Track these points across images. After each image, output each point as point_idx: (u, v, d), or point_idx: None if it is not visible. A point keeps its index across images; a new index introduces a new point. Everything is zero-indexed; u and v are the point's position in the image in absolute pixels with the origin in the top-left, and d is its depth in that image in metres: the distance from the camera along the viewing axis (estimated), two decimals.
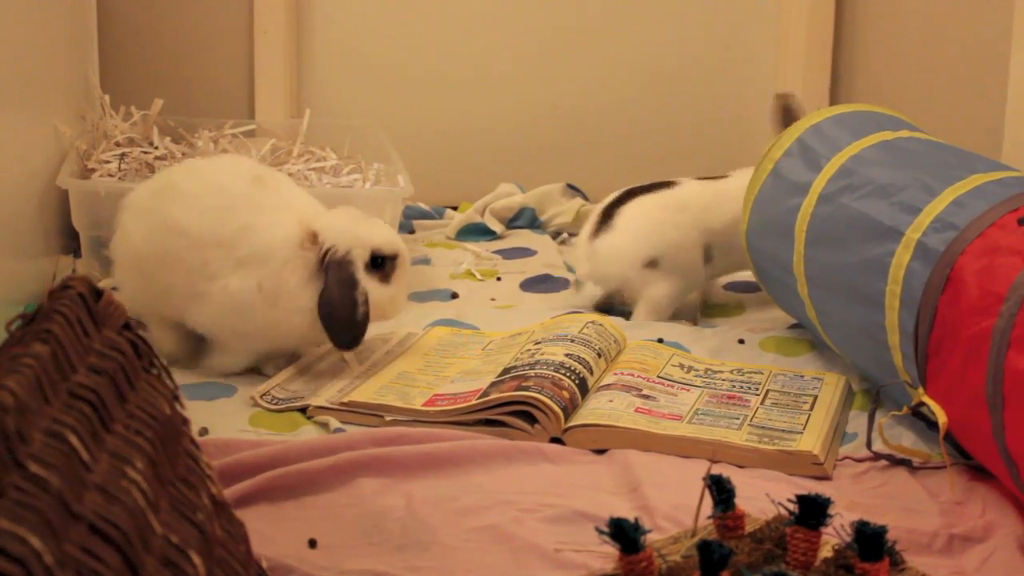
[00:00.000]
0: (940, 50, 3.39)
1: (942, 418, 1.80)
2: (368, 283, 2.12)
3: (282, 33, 3.39)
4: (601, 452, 1.91)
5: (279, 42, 3.39)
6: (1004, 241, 1.75)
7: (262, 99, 3.40)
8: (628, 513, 1.60)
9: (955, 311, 1.77)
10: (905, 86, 3.43)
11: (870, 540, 1.44)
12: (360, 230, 2.12)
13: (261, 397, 2.08)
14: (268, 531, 1.63)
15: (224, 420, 2.00)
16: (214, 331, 2.17)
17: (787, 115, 2.44)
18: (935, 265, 1.83)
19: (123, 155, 2.81)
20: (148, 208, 2.17)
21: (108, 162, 2.79)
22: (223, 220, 2.13)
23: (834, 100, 3.48)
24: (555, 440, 1.94)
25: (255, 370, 2.21)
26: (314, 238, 2.11)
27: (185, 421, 1.31)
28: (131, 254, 2.18)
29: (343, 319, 2.09)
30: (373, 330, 2.17)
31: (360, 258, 2.11)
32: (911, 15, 3.42)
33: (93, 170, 2.76)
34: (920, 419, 1.95)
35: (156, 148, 2.87)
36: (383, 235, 2.15)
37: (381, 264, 2.14)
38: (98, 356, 1.19)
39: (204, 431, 1.94)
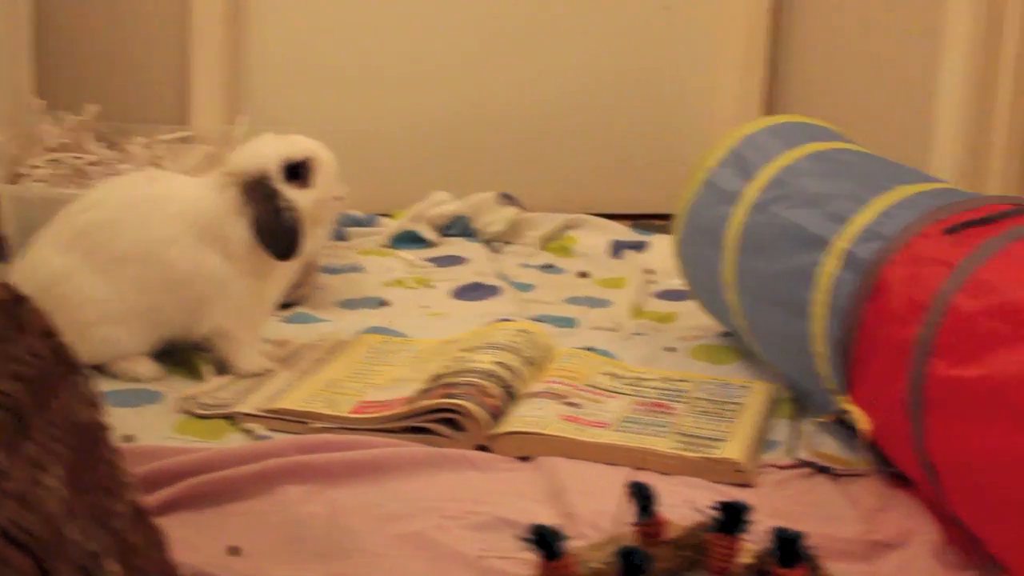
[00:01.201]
0: (873, 64, 3.43)
1: (864, 425, 1.81)
2: (289, 192, 2.16)
3: (219, 40, 3.38)
4: (527, 459, 1.92)
5: (216, 49, 3.38)
6: (928, 251, 1.77)
7: (198, 106, 3.38)
8: (552, 520, 1.60)
9: (880, 320, 1.79)
10: (839, 98, 3.46)
11: (788, 546, 1.45)
12: (266, 147, 2.19)
13: (189, 401, 2.07)
14: (191, 538, 1.62)
15: (150, 427, 1.99)
16: (224, 325, 2.20)
17: None
18: (861, 274, 1.85)
19: (55, 160, 2.79)
20: (82, 255, 2.17)
21: (39, 167, 2.76)
22: (150, 217, 2.16)
23: (769, 111, 3.50)
24: (482, 447, 1.94)
25: (189, 375, 2.20)
26: (228, 176, 2.17)
27: (106, 428, 1.31)
28: (92, 303, 2.17)
29: (274, 231, 2.15)
30: (306, 331, 2.16)
31: (274, 172, 2.15)
32: (845, 28, 3.46)
33: (25, 175, 2.74)
34: (844, 426, 1.96)
35: (89, 154, 2.85)
36: (291, 144, 2.19)
37: (298, 172, 2.17)
38: (18, 363, 1.18)
39: (129, 438, 1.92)
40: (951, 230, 1.75)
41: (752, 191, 2.20)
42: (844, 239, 1.92)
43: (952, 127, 2.86)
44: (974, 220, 1.75)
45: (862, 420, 1.82)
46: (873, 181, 2.02)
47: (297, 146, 2.19)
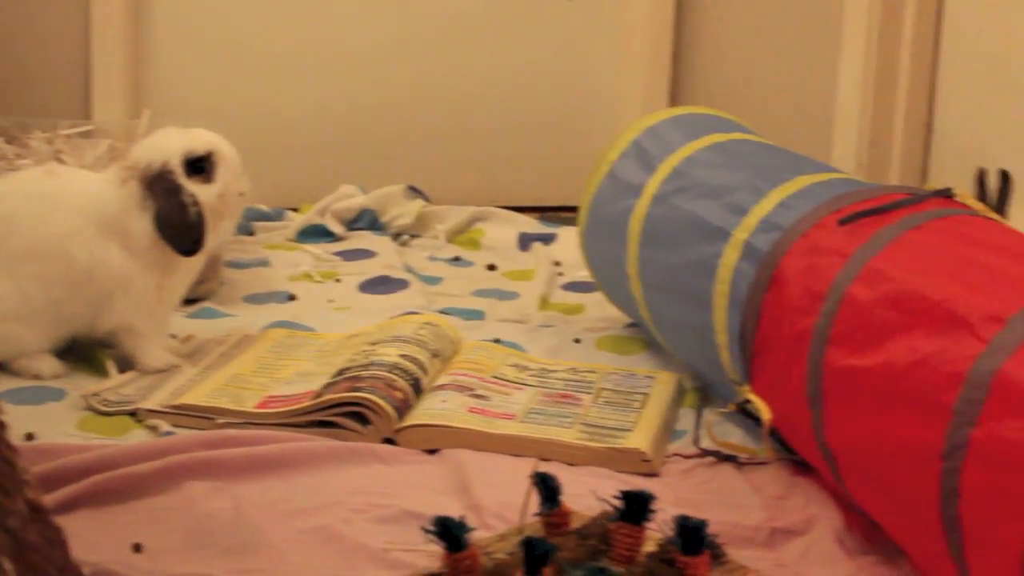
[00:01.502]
0: (776, 56, 3.47)
1: (766, 414, 1.84)
2: (192, 187, 2.14)
3: (120, 33, 3.34)
4: (434, 452, 1.92)
5: (117, 42, 3.34)
6: (825, 241, 1.79)
7: (99, 99, 3.35)
8: (458, 512, 1.61)
9: (778, 310, 1.81)
10: (743, 90, 3.50)
11: (691, 534, 1.47)
12: (168, 140, 2.17)
13: (92, 397, 2.05)
14: (92, 536, 1.60)
15: (52, 425, 1.97)
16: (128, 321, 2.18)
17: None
18: (760, 265, 1.87)
19: None
20: None
21: None
22: (50, 213, 2.14)
23: (674, 103, 3.53)
24: (388, 441, 1.94)
25: (93, 371, 2.18)
26: (131, 169, 2.15)
27: (3, 426, 1.29)
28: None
29: (177, 225, 2.13)
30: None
31: (175, 166, 2.14)
32: (748, 21, 3.49)
33: None
34: (747, 416, 1.99)
35: None
36: (193, 138, 2.18)
37: (201, 167, 2.16)
38: None
39: (30, 436, 1.90)
40: (846, 220, 1.78)
41: (654, 183, 2.21)
42: (743, 230, 1.94)
43: (853, 118, 2.90)
44: (869, 210, 1.77)
45: (764, 410, 1.84)
46: (772, 172, 2.04)
47: (199, 140, 2.18)
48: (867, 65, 2.86)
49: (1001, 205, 2.41)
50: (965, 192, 1.87)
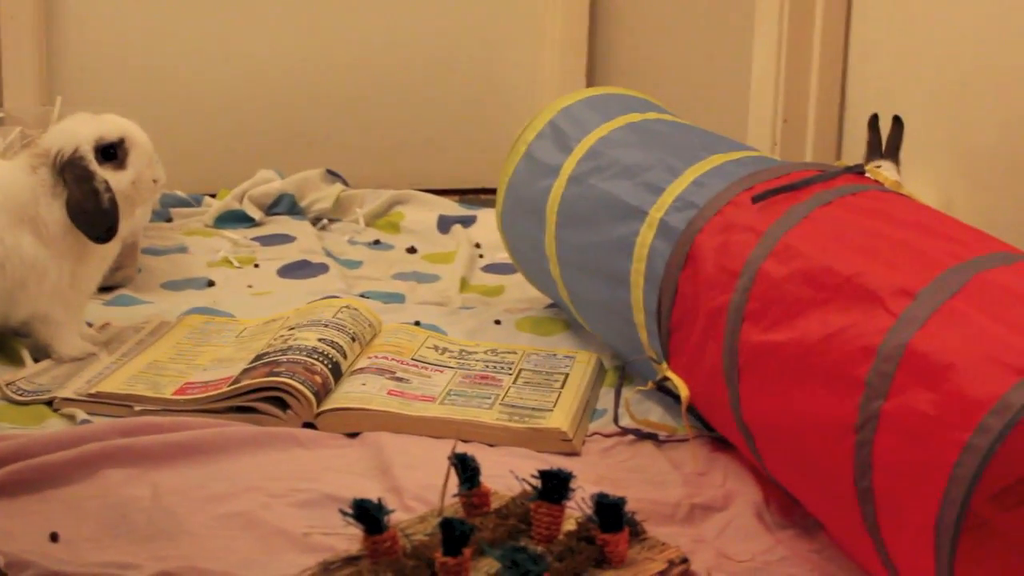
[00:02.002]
0: (690, 36, 3.49)
1: (684, 392, 1.85)
2: (104, 174, 2.12)
3: (30, 18, 3.30)
4: (354, 436, 1.92)
5: (27, 27, 3.30)
6: (739, 219, 1.81)
7: (10, 86, 3.30)
8: (377, 494, 1.60)
9: (694, 287, 1.83)
10: (660, 70, 3.52)
11: (609, 512, 1.48)
12: (78, 126, 2.15)
13: (7, 386, 2.03)
14: (7, 526, 1.59)
15: None
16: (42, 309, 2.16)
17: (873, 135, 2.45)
18: (675, 243, 1.88)
19: None
20: None
21: None
22: None
23: (591, 83, 3.54)
24: (308, 425, 1.93)
25: (7, 361, 2.16)
26: (42, 156, 2.13)
27: None
28: None
29: (90, 212, 2.11)
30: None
31: (87, 152, 2.12)
32: (664, 1, 3.51)
33: None
34: (666, 394, 2.00)
35: None
36: (104, 123, 2.16)
37: (113, 153, 2.14)
38: None
39: None
40: (759, 197, 1.79)
41: (570, 163, 2.22)
42: (659, 208, 1.95)
43: (767, 97, 2.93)
44: (782, 187, 1.79)
45: (682, 387, 1.85)
46: (687, 151, 2.06)
47: (110, 125, 2.15)
48: (780, 44, 2.89)
49: (893, 150, 2.45)
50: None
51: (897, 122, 2.46)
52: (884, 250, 1.56)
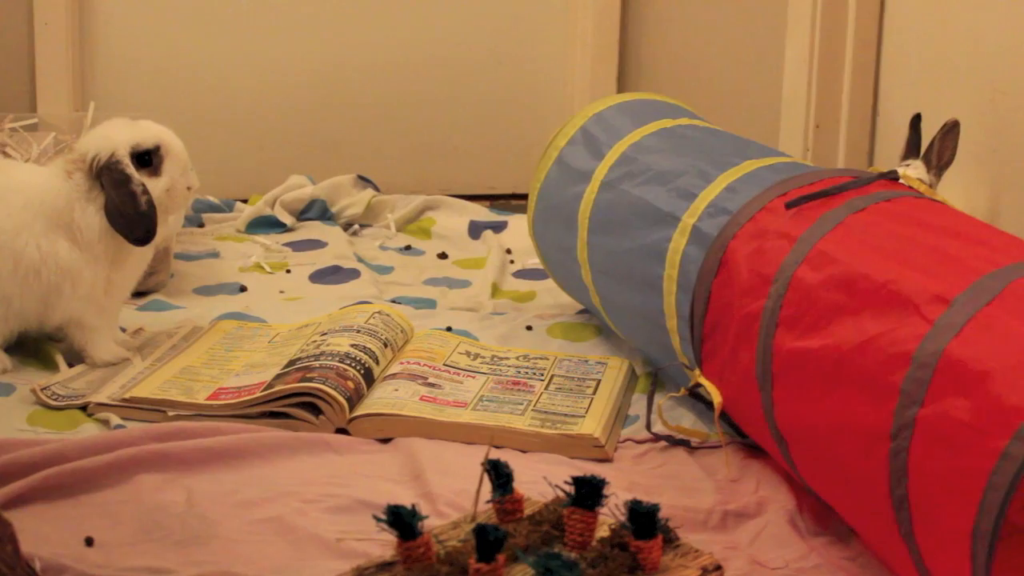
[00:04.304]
0: (722, 41, 3.48)
1: (717, 398, 1.84)
2: (140, 179, 2.14)
3: (64, 24, 3.32)
4: (386, 441, 1.92)
5: (61, 33, 3.32)
6: (772, 225, 1.80)
7: (44, 92, 3.32)
8: (410, 500, 1.61)
9: (728, 293, 1.82)
10: (691, 76, 3.51)
11: (643, 519, 1.47)
12: (116, 132, 2.16)
13: (42, 391, 2.04)
14: (43, 530, 1.60)
15: (1, 420, 1.96)
16: (77, 314, 2.17)
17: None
18: (708, 249, 1.88)
19: None
20: None
21: None
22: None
23: (621, 89, 3.53)
24: (341, 430, 1.94)
25: (42, 366, 2.17)
26: (77, 161, 2.14)
27: None
28: None
29: (129, 215, 2.12)
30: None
31: (123, 156, 2.13)
32: (695, 7, 3.50)
33: None
34: (698, 400, 2.00)
35: None
36: (140, 131, 2.17)
37: (148, 160, 2.15)
38: None
39: None
40: (792, 204, 1.79)
41: (602, 169, 2.22)
42: (691, 215, 1.95)
43: (799, 102, 2.92)
44: (815, 193, 1.78)
45: (715, 393, 1.85)
46: (719, 156, 2.05)
47: (146, 132, 2.17)
48: (812, 49, 2.88)
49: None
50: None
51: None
52: (918, 257, 1.56)
